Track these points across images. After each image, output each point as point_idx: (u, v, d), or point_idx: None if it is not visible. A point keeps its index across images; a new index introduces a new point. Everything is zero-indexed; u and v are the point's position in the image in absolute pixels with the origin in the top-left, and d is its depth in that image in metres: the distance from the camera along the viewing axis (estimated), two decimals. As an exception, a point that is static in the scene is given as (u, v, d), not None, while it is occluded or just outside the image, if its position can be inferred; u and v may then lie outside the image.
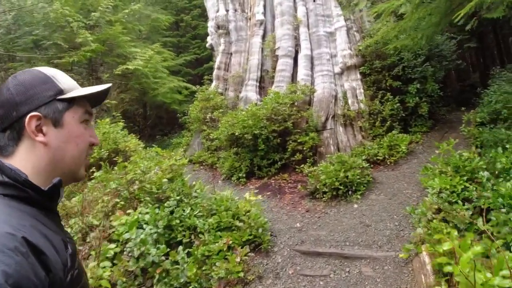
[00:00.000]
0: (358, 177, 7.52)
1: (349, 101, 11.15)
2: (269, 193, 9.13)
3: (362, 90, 11.23)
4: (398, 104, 10.70)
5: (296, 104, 10.72)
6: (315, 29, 12.18)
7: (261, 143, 9.70)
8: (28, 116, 0.99)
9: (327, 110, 10.98)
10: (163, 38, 22.28)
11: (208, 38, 15.57)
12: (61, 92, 1.06)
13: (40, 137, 1.00)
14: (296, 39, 12.34)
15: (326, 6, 12.59)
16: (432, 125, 11.47)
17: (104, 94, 1.20)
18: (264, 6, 13.60)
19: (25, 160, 0.99)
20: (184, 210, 5.93)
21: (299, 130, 10.19)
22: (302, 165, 9.91)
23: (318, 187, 7.73)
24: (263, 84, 12.99)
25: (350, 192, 7.48)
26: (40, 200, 0.96)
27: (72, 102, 1.08)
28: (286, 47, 12.12)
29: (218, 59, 13.95)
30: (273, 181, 9.79)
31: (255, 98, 12.35)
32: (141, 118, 24.58)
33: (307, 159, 10.04)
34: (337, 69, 11.69)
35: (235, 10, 14.12)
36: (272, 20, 13.34)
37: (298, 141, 9.98)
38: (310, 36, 12.19)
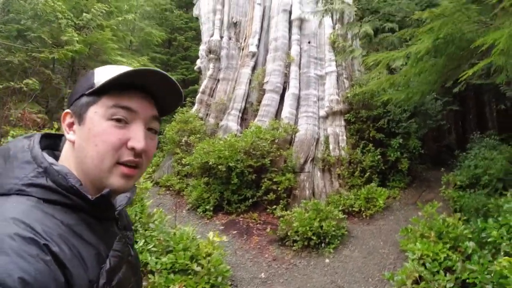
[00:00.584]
0: (333, 228, 6.94)
1: (331, 146, 10.75)
2: (235, 232, 8.38)
3: (345, 137, 10.88)
4: (379, 157, 10.36)
5: (277, 141, 10.22)
6: (306, 69, 11.94)
7: (235, 176, 9.05)
8: (63, 113, 1.02)
9: (307, 152, 10.51)
10: (153, 53, 21.79)
11: (198, 61, 15.13)
12: (92, 86, 0.97)
13: (69, 135, 0.99)
14: (286, 76, 12.04)
15: (320, 49, 12.45)
16: (410, 181, 11.17)
17: (160, 82, 1.00)
18: (259, 39, 13.36)
19: (65, 158, 0.99)
20: (136, 242, 5.12)
21: (275, 169, 9.62)
22: (274, 206, 9.28)
23: (289, 233, 7.07)
24: (245, 116, 12.49)
25: (323, 244, 6.86)
26: (88, 208, 0.92)
27: (101, 95, 0.96)
28: (274, 82, 11.77)
29: (204, 83, 13.45)
30: (241, 219, 9.06)
31: (236, 129, 11.80)
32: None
33: (280, 200, 9.42)
34: (322, 113, 11.36)
35: (230, 38, 13.82)
36: (265, 54, 13.07)
37: (274, 180, 9.39)
38: (300, 75, 11.92)
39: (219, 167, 8.92)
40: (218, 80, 13.45)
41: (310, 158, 10.50)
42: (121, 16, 16.88)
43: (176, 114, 12.85)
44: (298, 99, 11.54)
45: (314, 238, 6.79)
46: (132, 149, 0.95)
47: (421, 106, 11.78)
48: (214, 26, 13.78)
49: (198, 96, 13.44)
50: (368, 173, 10.15)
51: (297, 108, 11.43)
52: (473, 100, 19.53)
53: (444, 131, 24.26)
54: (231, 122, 12.07)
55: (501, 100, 15.89)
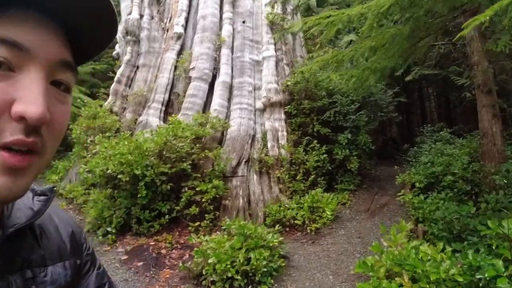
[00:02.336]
0: (265, 262, 4.82)
1: (269, 144, 8.67)
2: (141, 263, 6.02)
3: (285, 133, 8.85)
4: (325, 155, 8.47)
5: (203, 140, 7.95)
6: (240, 54, 9.73)
7: (143, 188, 6.65)
8: None
9: (241, 152, 8.35)
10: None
11: (117, 46, 12.34)
12: None
13: None
14: (216, 61, 9.76)
15: (257, 30, 10.30)
16: (360, 182, 9.43)
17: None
18: (187, 19, 10.93)
19: None
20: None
21: (199, 175, 7.35)
22: (198, 223, 7.04)
23: (204, 271, 4.85)
24: (170, 110, 10.05)
25: (250, 287, 4.71)
26: None
27: None
28: (202, 68, 9.44)
29: (120, 71, 10.77)
30: (153, 243, 6.69)
31: (157, 125, 9.34)
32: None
33: (206, 214, 7.19)
34: (259, 104, 9.24)
35: (152, 17, 11.24)
36: (193, 36, 10.66)
37: (197, 189, 7.13)
38: (233, 61, 9.70)
39: (121, 176, 6.47)
40: (137, 67, 10.85)
41: (244, 159, 8.36)
42: None
43: (82, 108, 10.09)
44: (231, 88, 9.32)
45: (239, 278, 4.64)
46: (21, 118, 0.50)
47: (369, 97, 10.08)
48: (133, 2, 11.11)
49: (113, 86, 10.74)
50: (313, 176, 8.21)
51: (229, 99, 9.22)
52: (417, 93, 18.59)
53: (386, 124, 23.46)
54: (152, 117, 9.59)
55: (448, 92, 14.90)
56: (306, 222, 7.12)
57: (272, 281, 4.77)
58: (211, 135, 7.96)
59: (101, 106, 10.52)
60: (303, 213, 7.21)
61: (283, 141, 8.69)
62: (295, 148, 8.50)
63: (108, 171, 6.54)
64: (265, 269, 4.73)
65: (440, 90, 16.59)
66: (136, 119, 9.89)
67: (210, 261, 4.65)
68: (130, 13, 11.02)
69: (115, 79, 10.79)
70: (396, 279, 3.98)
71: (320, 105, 8.93)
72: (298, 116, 9.02)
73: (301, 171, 8.19)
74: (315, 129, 8.82)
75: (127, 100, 10.47)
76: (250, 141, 8.65)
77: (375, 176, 10.52)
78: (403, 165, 10.39)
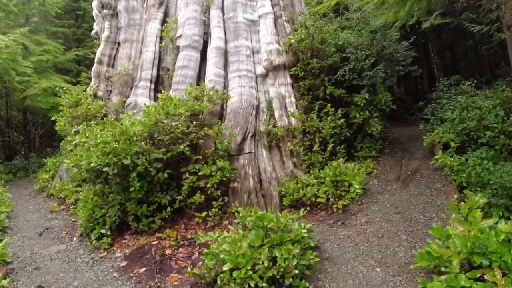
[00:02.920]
0: (295, 261, 3.71)
1: (276, 114, 7.45)
2: (143, 270, 4.97)
3: (293, 99, 7.60)
4: (343, 120, 7.26)
5: (201, 116, 6.73)
6: (233, 13, 8.33)
7: (135, 179, 5.51)
8: None
9: (246, 126, 7.15)
10: (55, 28, 16.90)
11: (94, 25, 10.93)
12: None
13: None
14: (206, 25, 8.38)
15: (248, -14, 8.84)
16: (381, 147, 8.25)
17: None
18: (167, -17, 9.45)
19: None
20: None
21: (200, 157, 6.19)
22: (205, 212, 5.96)
23: (219, 279, 3.77)
24: (161, 87, 8.79)
25: (279, 295, 3.63)
26: None
27: None
28: (190, 35, 8.08)
29: (100, 50, 9.44)
30: (155, 242, 5.62)
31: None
32: (32, 127, 18.75)
33: (214, 202, 6.10)
34: (260, 69, 7.95)
35: (128, -14, 9.75)
36: (177, 1, 9.23)
37: (200, 174, 5.99)
38: (225, 22, 8.32)
39: (107, 169, 5.31)
40: (119, 44, 9.51)
41: (250, 134, 7.17)
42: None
43: (62, 96, 8.83)
44: (226, 54, 8.00)
45: (264, 285, 3.54)
46: None
47: (382, 51, 8.72)
48: (104, -30, 9.59)
49: (94, 68, 9.45)
50: (331, 145, 7.04)
51: (226, 67, 7.92)
52: (422, 47, 17.06)
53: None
54: (141, 97, 8.35)
55: (455, 43, 13.45)
56: (331, 199, 6.01)
57: (306, 284, 3.67)
58: (209, 109, 6.73)
59: (84, 91, 9.25)
60: (326, 189, 6.10)
61: (292, 109, 7.46)
62: (307, 115, 7.27)
63: (92, 164, 5.38)
64: (296, 270, 3.62)
65: (448, 42, 15.08)
66: (124, 102, 8.65)
67: (225, 268, 3.55)
68: (103, -17, 9.55)
69: (96, 59, 9.48)
70: (477, 271, 2.88)
71: (331, 63, 7.61)
72: (306, 78, 7.73)
73: (317, 140, 7.00)
74: (327, 91, 7.56)
75: (111, 82, 9.19)
76: (254, 112, 7.43)
77: (394, 139, 9.33)
78: (420, 125, 9.22)
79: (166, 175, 5.70)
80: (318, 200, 6.08)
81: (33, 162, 14.25)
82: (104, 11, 9.48)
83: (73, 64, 16.77)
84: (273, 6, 8.58)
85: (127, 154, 5.43)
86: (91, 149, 5.54)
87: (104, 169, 5.26)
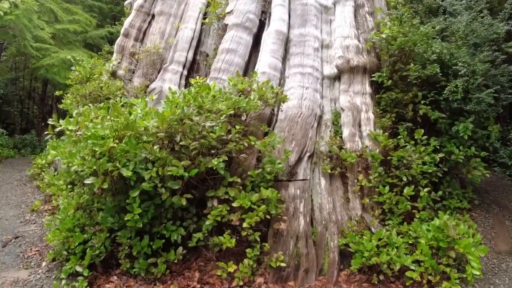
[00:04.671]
0: None
1: (345, 131, 5.35)
2: None
3: (371, 115, 5.48)
4: (443, 155, 5.09)
5: (244, 119, 4.71)
6: (302, -7, 6.34)
7: (136, 201, 3.52)
8: None
9: (304, 142, 5.08)
10: (91, 1, 15.49)
11: (129, -6, 9.20)
12: None
13: None
14: (267, 2, 6.41)
15: (325, -37, 6.83)
16: (474, 196, 6.02)
17: None
18: (222, -49, 7.58)
19: None
20: None
21: (238, 180, 4.13)
22: (234, 266, 3.93)
23: None
24: (195, 75, 6.87)
25: None
26: None
27: None
28: (244, 11, 6.12)
29: (129, 20, 7.64)
30: (151, 302, 3.59)
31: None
32: (52, 100, 17.46)
33: (248, 248, 4.04)
34: (329, 69, 5.89)
35: (175, -51, 7.94)
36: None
37: (234, 204, 3.94)
38: (290, 3, 6.32)
39: (91, 180, 3.34)
40: (153, 16, 7.68)
41: (308, 153, 5.09)
42: None
43: (73, 68, 7.04)
44: (287, 42, 5.98)
45: None
46: None
47: (489, 71, 6.47)
48: None
49: (119, 40, 7.65)
50: (425, 190, 4.86)
51: (285, 59, 5.90)
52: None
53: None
54: (169, 83, 6.48)
55: None
56: (428, 276, 3.83)
57: None
58: (258, 110, 4.67)
59: (94, 66, 7.45)
60: (421, 259, 3.92)
61: (368, 127, 5.34)
62: (392, 141, 5.10)
63: (74, 168, 3.43)
64: None
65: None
66: (147, 86, 6.78)
67: None
68: None
69: (122, 31, 7.68)
70: None
71: (429, 74, 5.45)
72: (392, 90, 5.60)
73: (405, 179, 4.82)
74: (420, 112, 5.39)
75: (136, 60, 7.35)
76: (315, 124, 5.36)
77: (490, 187, 7.05)
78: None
79: (184, 201, 3.67)
80: (407, 274, 3.90)
81: (57, 119, 12.78)
82: (142, -26, 7.70)
83: (104, 41, 15.25)
84: (354, -8, 6.54)
85: (130, 161, 3.46)
86: (79, 144, 3.59)
87: (88, 181, 3.29)
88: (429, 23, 7.28)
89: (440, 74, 5.54)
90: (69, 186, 6.06)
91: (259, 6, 6.25)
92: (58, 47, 11.46)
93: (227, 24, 6.16)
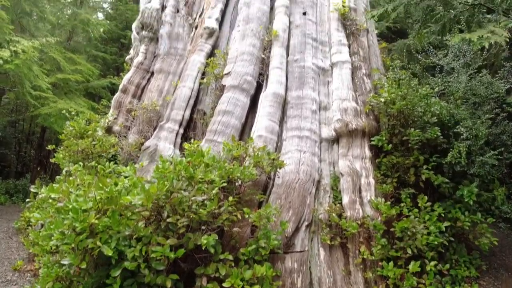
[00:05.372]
0: None
1: (345, 198, 5.11)
2: None
3: (372, 180, 5.28)
4: (448, 224, 4.83)
5: (239, 184, 4.49)
6: (299, 56, 6.42)
7: (117, 282, 3.20)
8: None
9: (301, 210, 4.83)
10: (96, 52, 15.96)
11: (131, 49, 9.43)
12: None
13: None
14: (264, 65, 6.47)
15: (322, 27, 7.02)
16: (482, 262, 5.66)
17: None
18: (223, 13, 7.84)
19: None
20: None
21: (230, 257, 3.82)
22: None
23: None
24: (191, 133, 6.78)
25: None
26: None
27: None
28: (242, 73, 6.15)
29: (128, 77, 7.70)
30: None
31: (170, 154, 6.09)
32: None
33: (238, 335, 3.63)
34: (327, 132, 5.80)
35: (177, 10, 8.23)
36: (230, 34, 7.52)
37: (225, 284, 3.60)
38: (288, 65, 6.37)
39: (68, 260, 3.06)
40: (152, 73, 7.75)
41: (306, 222, 4.82)
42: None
43: (67, 124, 6.98)
44: (285, 105, 5.94)
45: None
46: None
47: (492, 127, 6.42)
48: (154, -11, 8.16)
49: (116, 96, 7.67)
50: (431, 263, 4.53)
51: (282, 121, 5.82)
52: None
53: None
54: (164, 141, 6.35)
55: None
56: None
57: None
58: (253, 178, 4.47)
59: (92, 121, 7.39)
60: None
61: (369, 194, 5.11)
62: (395, 209, 4.84)
63: (53, 241, 3.17)
64: None
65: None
66: (142, 144, 6.65)
67: None
68: (149, 2, 8.07)
69: (120, 87, 7.72)
70: None
71: (429, 137, 5.34)
72: (392, 153, 5.46)
73: (409, 251, 4.51)
74: (422, 177, 5.20)
75: (133, 116, 7.30)
76: (313, 190, 5.14)
77: (496, 254, 6.65)
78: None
79: (170, 282, 3.34)
80: None
81: (39, 185, 12.51)
82: (143, 32, 7.89)
83: (106, 91, 15.49)
84: (351, 54, 6.63)
85: (112, 237, 3.19)
86: (59, 216, 3.34)
87: (65, 262, 3.00)
88: (427, 84, 7.35)
89: (441, 136, 5.44)
90: (53, 247, 5.72)
91: (256, 68, 6.30)
92: (58, 96, 11.58)
93: (225, 85, 6.16)
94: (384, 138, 5.50)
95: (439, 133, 5.37)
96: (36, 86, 9.89)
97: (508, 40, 5.10)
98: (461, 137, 5.25)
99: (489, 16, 5.32)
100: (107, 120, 7.28)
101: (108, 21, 17.76)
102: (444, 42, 7.93)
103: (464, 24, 6.18)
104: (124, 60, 16.59)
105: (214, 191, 3.63)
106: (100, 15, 19.41)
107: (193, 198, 3.48)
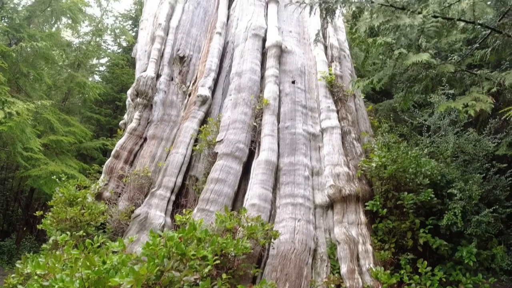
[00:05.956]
0: None
1: (343, 267, 4.95)
2: None
3: (369, 247, 5.16)
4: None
5: (234, 260, 4.33)
6: (290, 123, 6.60)
7: None
8: None
9: (298, 283, 4.63)
10: (90, 113, 16.22)
11: (125, 115, 9.62)
12: None
13: None
14: (256, 132, 6.60)
15: (311, 94, 7.32)
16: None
17: None
18: (215, 81, 8.18)
19: None
20: None
21: None
22: None
23: None
24: (183, 200, 6.70)
25: None
26: None
27: None
28: (234, 141, 6.26)
29: (121, 142, 7.75)
30: None
31: (161, 222, 6.00)
32: (37, 207, 16.84)
33: None
34: (321, 198, 5.78)
35: (171, 78, 8.56)
36: (223, 101, 7.78)
37: None
38: (279, 132, 6.52)
39: None
40: (145, 140, 7.82)
41: (303, 296, 4.59)
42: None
43: (56, 191, 6.84)
44: (277, 171, 5.97)
45: None
46: None
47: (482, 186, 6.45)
48: (150, 59, 8.55)
49: (108, 161, 7.65)
50: None
51: (275, 189, 5.80)
52: None
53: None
54: (155, 209, 6.24)
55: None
56: None
57: None
58: (246, 251, 4.33)
59: (82, 187, 7.29)
60: None
61: (367, 262, 4.96)
62: (395, 277, 4.66)
63: None
64: None
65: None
66: (132, 211, 6.50)
67: None
68: (145, 70, 8.39)
69: (112, 152, 7.74)
70: None
71: (423, 199, 5.34)
72: (388, 217, 5.41)
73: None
74: (420, 241, 5.11)
75: (124, 183, 7.22)
76: (310, 260, 4.97)
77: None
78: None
79: None
80: None
81: (24, 247, 12.02)
82: (138, 99, 8.10)
83: (98, 152, 15.48)
84: (340, 119, 6.85)
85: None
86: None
87: None
88: (415, 144, 7.53)
89: (435, 197, 5.46)
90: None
91: (248, 135, 6.42)
92: (50, 157, 11.51)
93: (217, 152, 6.22)
94: (378, 203, 5.48)
95: (433, 195, 5.39)
96: (28, 147, 9.90)
97: (493, 106, 5.35)
98: (455, 198, 5.27)
99: (471, 72, 5.56)
100: (97, 186, 7.18)
101: (104, 83, 18.31)
102: (428, 100, 8.27)
103: (447, 85, 6.54)
104: (117, 121, 16.90)
105: (206, 270, 3.49)
106: (97, 77, 20.08)
107: (184, 278, 3.32)
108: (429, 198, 5.32)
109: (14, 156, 9.97)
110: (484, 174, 6.46)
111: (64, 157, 12.93)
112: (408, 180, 5.55)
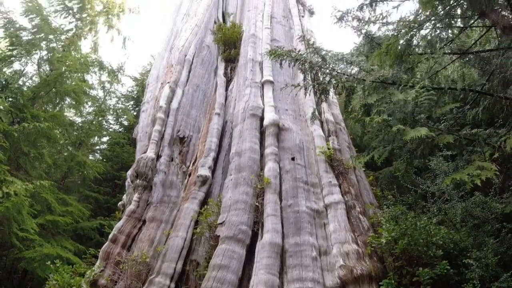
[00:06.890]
0: None
1: None
2: None
3: (388, 338, 4.68)
4: None
5: None
6: (293, 201, 6.47)
7: None
8: None
9: None
10: (88, 192, 16.01)
11: (124, 196, 9.49)
12: None
13: None
14: (258, 212, 6.43)
15: (311, 169, 7.30)
16: None
17: None
18: (215, 161, 8.23)
19: None
20: None
21: None
22: None
23: None
24: (184, 287, 6.26)
25: None
26: None
27: None
28: (236, 223, 6.05)
29: (118, 226, 7.50)
30: None
31: None
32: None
33: None
34: (331, 279, 5.42)
35: (171, 159, 8.61)
36: (223, 181, 7.73)
37: None
38: (282, 211, 6.35)
39: None
40: (144, 222, 7.59)
41: None
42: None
43: (51, 276, 6.43)
44: (283, 253, 5.67)
45: None
46: None
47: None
48: (151, 140, 8.68)
49: (105, 246, 7.32)
50: None
51: (282, 273, 5.46)
52: None
53: None
54: (153, 301, 5.76)
55: None
56: None
57: None
58: None
59: (77, 274, 6.90)
60: None
61: None
62: None
63: None
64: None
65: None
66: (129, 304, 6.03)
67: None
68: (145, 151, 8.46)
69: (110, 236, 7.45)
70: None
71: (439, 273, 5.02)
72: (404, 298, 5.01)
73: None
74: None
75: (121, 270, 6.81)
76: None
77: None
78: None
79: None
80: None
81: None
82: (138, 181, 8.03)
83: (95, 232, 14.95)
84: (343, 194, 6.74)
85: None
86: None
87: None
88: (422, 212, 7.30)
89: (451, 269, 5.14)
90: None
91: (251, 216, 6.25)
92: (45, 238, 11.08)
93: (219, 235, 5.98)
94: (393, 281, 5.12)
95: (448, 267, 5.10)
96: (23, 228, 9.59)
97: (498, 173, 5.31)
98: (471, 267, 4.97)
99: (469, 139, 5.57)
100: (93, 273, 6.76)
101: (104, 161, 18.38)
102: (427, 164, 8.23)
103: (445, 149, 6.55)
104: (116, 200, 16.64)
105: None
106: (97, 155, 20.23)
107: None
108: (445, 271, 5.04)
109: (9, 236, 9.62)
110: (495, 237, 6.21)
111: (60, 238, 12.45)
112: (420, 253, 5.29)
